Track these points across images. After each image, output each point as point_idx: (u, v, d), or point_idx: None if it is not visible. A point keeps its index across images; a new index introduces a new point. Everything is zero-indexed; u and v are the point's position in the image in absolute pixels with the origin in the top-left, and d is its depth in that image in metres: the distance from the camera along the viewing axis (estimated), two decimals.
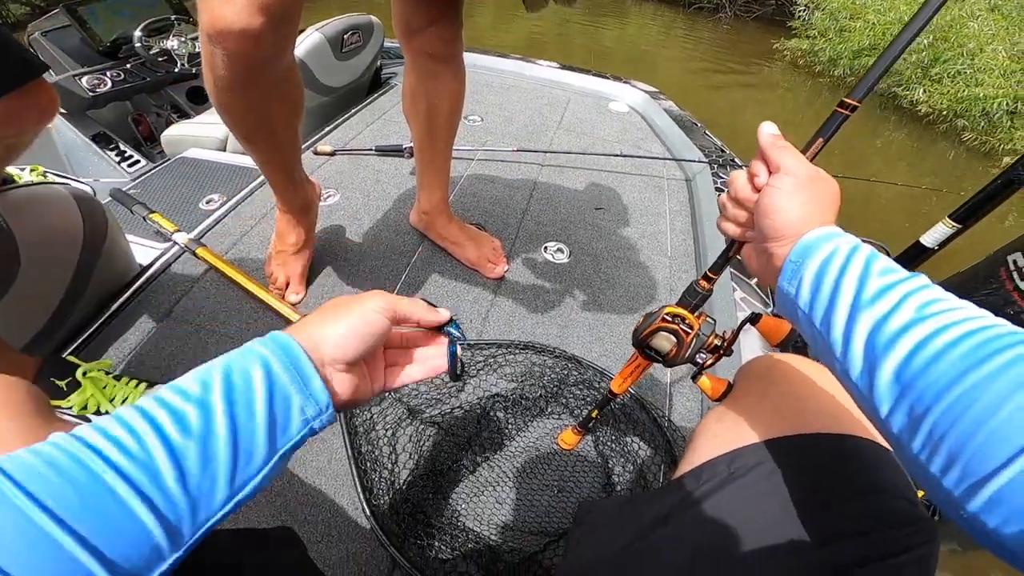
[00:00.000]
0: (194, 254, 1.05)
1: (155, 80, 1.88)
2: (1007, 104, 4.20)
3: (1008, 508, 0.23)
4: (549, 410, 0.90)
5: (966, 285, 0.90)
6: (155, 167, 1.52)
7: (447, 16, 0.90)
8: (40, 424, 0.38)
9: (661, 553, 0.44)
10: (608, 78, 2.23)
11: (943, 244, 0.92)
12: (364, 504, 0.73)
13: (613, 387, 0.63)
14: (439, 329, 0.46)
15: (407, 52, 0.95)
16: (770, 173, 0.42)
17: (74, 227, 0.84)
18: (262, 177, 1.20)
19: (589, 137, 1.82)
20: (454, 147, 1.11)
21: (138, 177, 1.45)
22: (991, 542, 0.24)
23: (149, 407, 0.30)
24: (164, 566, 0.28)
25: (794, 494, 0.41)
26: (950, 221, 0.89)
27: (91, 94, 1.70)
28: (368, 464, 0.78)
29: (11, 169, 1.44)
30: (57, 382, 0.76)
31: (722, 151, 1.72)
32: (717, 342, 0.49)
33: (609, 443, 0.85)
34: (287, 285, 1.03)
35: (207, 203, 1.28)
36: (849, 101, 0.43)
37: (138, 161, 1.77)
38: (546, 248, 1.25)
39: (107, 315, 0.94)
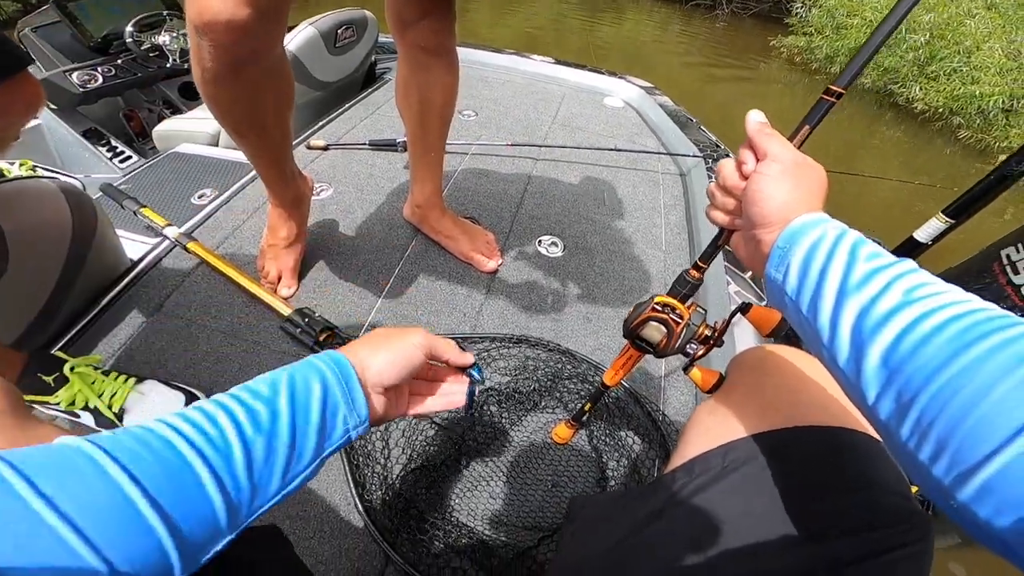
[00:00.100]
0: (185, 248, 1.05)
1: (146, 76, 1.87)
2: (1003, 102, 4.21)
3: (999, 497, 0.22)
4: (543, 404, 0.89)
5: (959, 280, 0.90)
6: (147, 162, 1.51)
7: (440, 9, 0.89)
8: (14, 423, 0.38)
9: (655, 548, 0.44)
10: (603, 73, 2.23)
11: (936, 239, 0.92)
12: (356, 499, 0.72)
13: (605, 379, 0.63)
14: (463, 369, 0.52)
15: (400, 45, 0.94)
16: (758, 160, 0.42)
17: (63, 221, 0.83)
18: (254, 171, 1.19)
19: (584, 132, 1.81)
20: (448, 141, 1.10)
21: (129, 173, 1.44)
22: (983, 534, 0.23)
23: (228, 403, 0.35)
24: (219, 545, 0.31)
25: (787, 488, 0.40)
26: (943, 216, 0.89)
27: (81, 90, 1.69)
28: (360, 459, 0.78)
29: (1, 164, 1.43)
30: (44, 377, 0.76)
31: (717, 146, 1.71)
32: (708, 332, 0.49)
33: (603, 437, 0.85)
34: (279, 279, 1.02)
35: (199, 198, 1.27)
36: (835, 88, 0.43)
37: (130, 157, 1.75)
38: (540, 242, 1.25)
39: (97, 310, 0.93)
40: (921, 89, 4.71)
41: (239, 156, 1.42)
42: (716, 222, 0.46)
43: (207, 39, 0.62)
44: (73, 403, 0.76)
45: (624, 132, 1.86)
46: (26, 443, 0.33)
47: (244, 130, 0.80)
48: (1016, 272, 0.86)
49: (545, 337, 0.99)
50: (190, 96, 2.05)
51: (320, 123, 1.65)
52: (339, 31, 1.68)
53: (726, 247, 0.48)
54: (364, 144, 1.52)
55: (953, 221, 0.88)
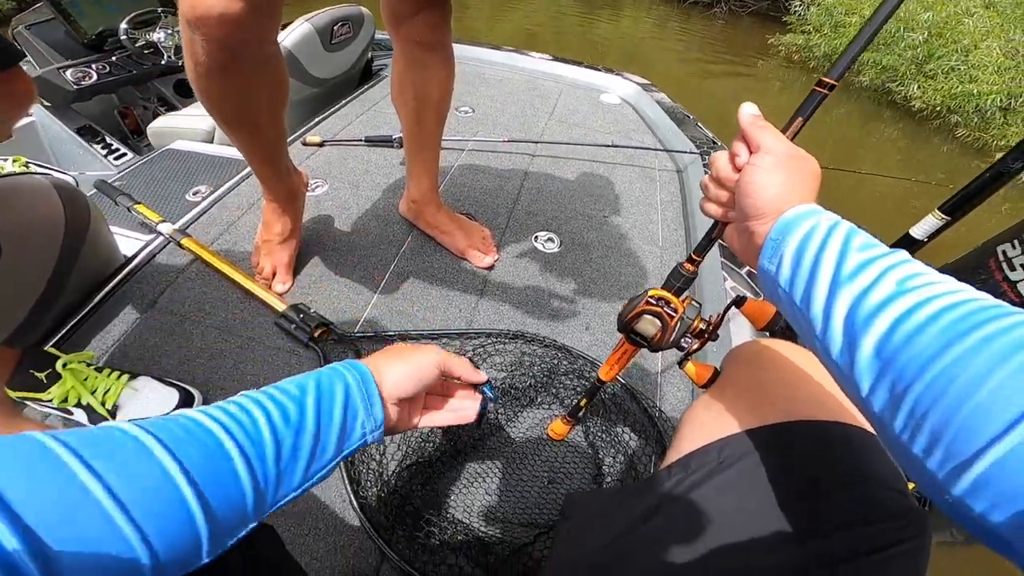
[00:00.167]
0: (179, 245, 1.04)
1: (141, 73, 1.86)
2: (1000, 100, 4.22)
3: (995, 491, 0.21)
4: (539, 400, 0.89)
5: (956, 276, 0.89)
6: (141, 159, 1.50)
7: (435, 3, 0.89)
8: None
9: (651, 545, 0.44)
10: (600, 70, 2.22)
11: (932, 236, 0.92)
12: (352, 496, 0.72)
13: (601, 374, 0.63)
14: (475, 386, 0.54)
15: (395, 40, 0.94)
16: (751, 152, 0.41)
17: (55, 217, 0.83)
18: (249, 168, 1.18)
19: (580, 128, 1.81)
20: (445, 137, 1.10)
21: (124, 170, 1.43)
22: (979, 529, 0.22)
23: (262, 400, 0.37)
24: (244, 531, 0.33)
25: (783, 484, 0.40)
26: (939, 213, 0.89)
27: (76, 87, 1.68)
28: (355, 455, 0.77)
29: None
30: (37, 374, 0.75)
31: (713, 143, 1.71)
32: (702, 326, 0.49)
33: (599, 434, 0.85)
34: (274, 275, 1.02)
35: (193, 194, 1.26)
36: (827, 80, 0.43)
37: (124, 154, 1.75)
38: (536, 238, 1.25)
39: (90, 306, 0.93)
40: (919, 87, 4.72)
41: (234, 152, 1.42)
42: (710, 214, 0.46)
43: (200, 33, 0.61)
44: (66, 400, 0.75)
45: (621, 129, 1.86)
46: None
47: (237, 125, 0.79)
48: (1012, 268, 0.86)
49: (541, 333, 0.99)
50: (185, 93, 2.04)
51: (316, 119, 1.65)
52: (335, 27, 1.67)
53: (721, 240, 0.48)
54: (360, 140, 1.51)
55: (949, 218, 0.88)
